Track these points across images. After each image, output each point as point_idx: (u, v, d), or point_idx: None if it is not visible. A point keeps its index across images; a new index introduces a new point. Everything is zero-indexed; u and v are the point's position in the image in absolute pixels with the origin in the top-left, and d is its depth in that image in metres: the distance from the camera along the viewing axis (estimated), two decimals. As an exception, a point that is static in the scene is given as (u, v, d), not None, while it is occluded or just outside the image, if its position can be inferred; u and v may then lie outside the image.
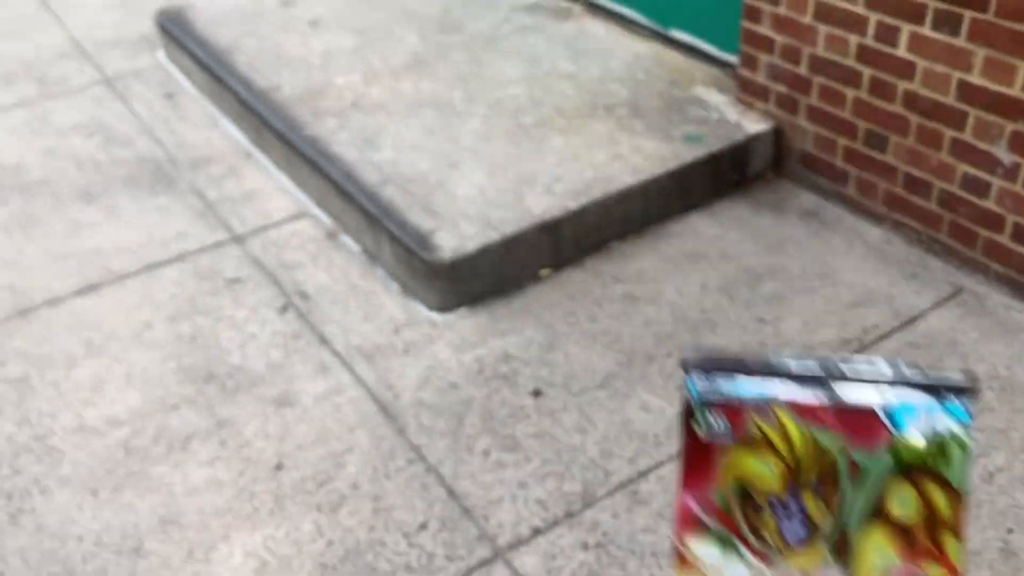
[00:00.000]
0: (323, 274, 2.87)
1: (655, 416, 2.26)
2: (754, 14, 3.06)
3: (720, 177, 3.07)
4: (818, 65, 2.92)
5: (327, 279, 2.84)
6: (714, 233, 2.90)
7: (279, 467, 2.20)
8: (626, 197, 2.88)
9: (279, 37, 3.86)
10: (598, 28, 3.84)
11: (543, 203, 2.81)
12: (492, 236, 2.68)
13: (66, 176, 3.42)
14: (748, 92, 3.20)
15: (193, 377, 2.50)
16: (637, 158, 2.99)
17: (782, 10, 2.96)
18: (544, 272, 2.80)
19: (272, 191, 3.29)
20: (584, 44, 3.71)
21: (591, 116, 3.23)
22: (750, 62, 3.15)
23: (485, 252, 2.66)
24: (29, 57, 4.31)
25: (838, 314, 2.55)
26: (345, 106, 3.36)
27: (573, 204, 2.80)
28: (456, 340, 2.56)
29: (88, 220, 3.18)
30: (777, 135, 3.14)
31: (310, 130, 3.23)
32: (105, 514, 2.10)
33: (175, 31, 4.00)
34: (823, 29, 2.86)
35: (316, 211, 3.17)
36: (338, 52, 3.73)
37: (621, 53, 3.63)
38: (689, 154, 3.00)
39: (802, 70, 2.98)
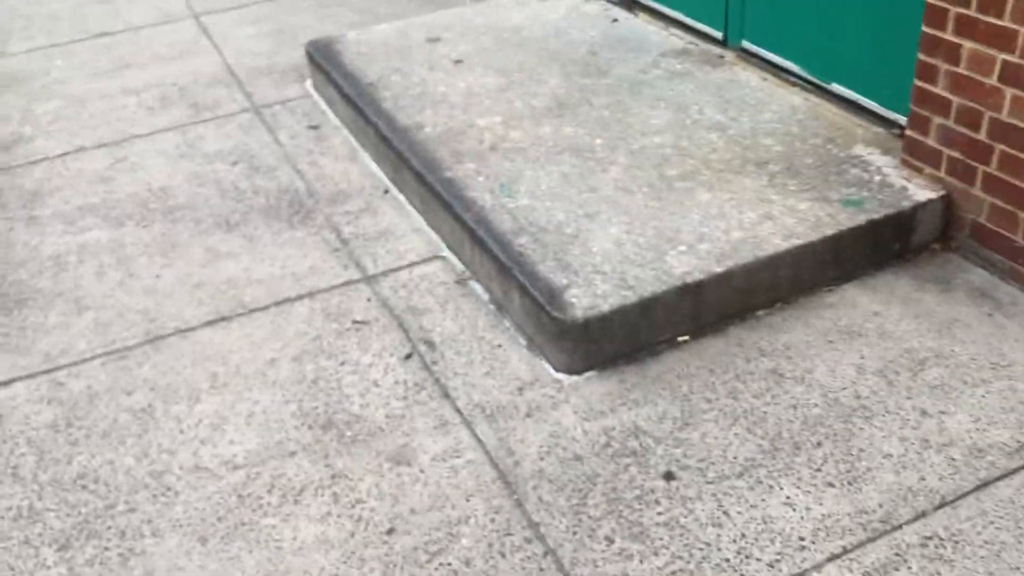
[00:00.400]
0: (450, 322, 2.78)
1: (800, 515, 2.05)
2: (928, 72, 2.82)
3: (881, 246, 2.83)
4: (1001, 131, 2.66)
5: (454, 327, 2.75)
6: (872, 308, 2.66)
7: (391, 531, 2.10)
8: (776, 262, 2.68)
9: (424, 74, 3.83)
10: (751, 77, 3.65)
11: (685, 263, 2.64)
12: (628, 297, 2.53)
13: (208, 203, 3.46)
14: (916, 155, 2.95)
15: (312, 422, 2.44)
16: (790, 220, 2.78)
17: (962, 69, 2.71)
18: (683, 338, 2.62)
19: (407, 231, 3.24)
20: (735, 93, 3.53)
21: (740, 171, 3.04)
22: (920, 123, 2.90)
23: (620, 313, 2.51)
24: (185, 82, 4.43)
25: (1015, 412, 2.27)
26: (484, 149, 3.28)
27: (718, 267, 2.62)
28: (583, 406, 2.41)
29: (225, 249, 3.19)
30: (947, 204, 2.87)
31: (448, 172, 3.16)
32: (212, 565, 2.05)
33: (323, 62, 4.03)
34: (1010, 92, 2.60)
35: (448, 254, 3.09)
36: (481, 92, 3.66)
37: (775, 105, 3.42)
38: (848, 219, 2.78)
39: (981, 135, 2.72)
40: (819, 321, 2.63)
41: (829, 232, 2.74)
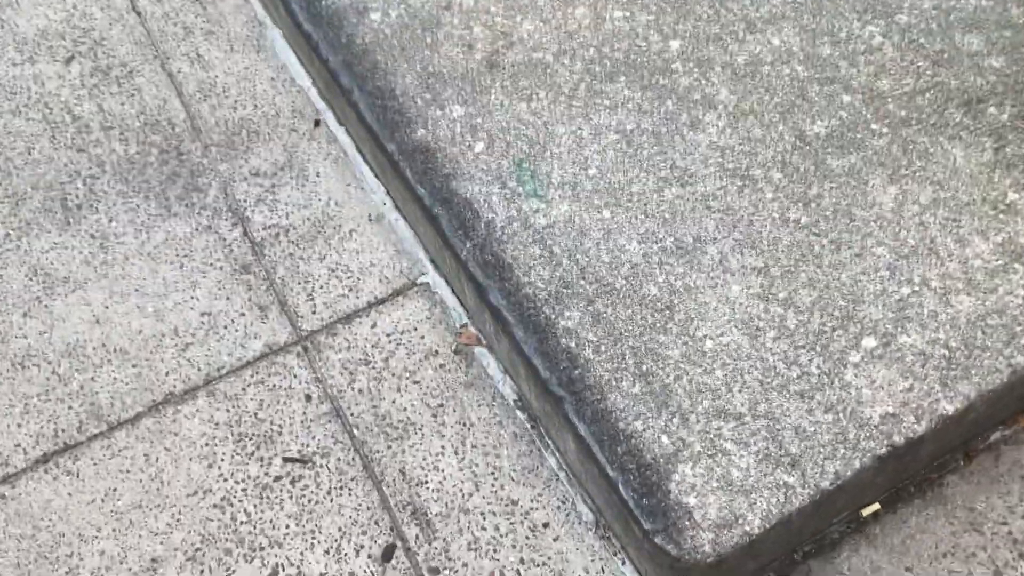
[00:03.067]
0: (452, 459, 1.62)
1: None
2: None
3: None
4: None
5: (461, 476, 1.60)
6: None
7: None
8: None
9: None
10: None
11: (883, 394, 1.44)
12: (793, 491, 1.37)
13: (27, 156, 2.11)
14: None
15: None
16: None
17: None
18: (868, 511, 1.49)
19: (359, 217, 1.96)
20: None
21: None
22: None
23: (777, 527, 1.36)
24: None
25: None
26: (477, 65, 1.90)
27: (949, 397, 1.43)
28: None
29: (62, 269, 1.92)
30: None
31: (419, 130, 1.82)
32: None
33: None
34: None
35: (432, 278, 1.84)
36: None
37: None
38: None
39: None
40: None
41: None
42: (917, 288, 1.51)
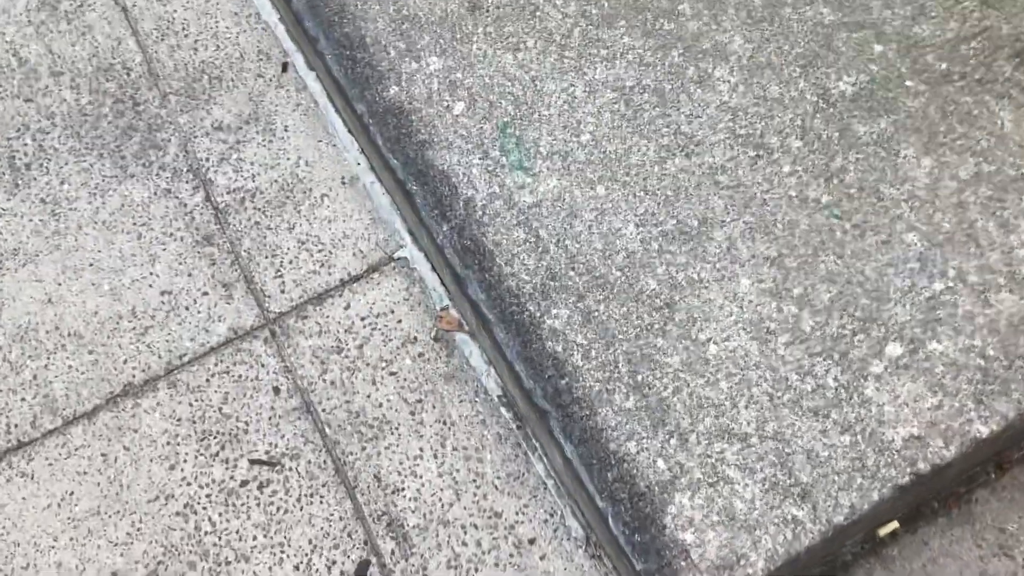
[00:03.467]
0: (431, 462, 1.49)
1: None
2: None
3: None
4: None
5: (441, 482, 1.48)
6: None
7: None
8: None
9: None
10: None
11: (905, 411, 1.29)
12: (803, 527, 1.24)
13: (-34, 124, 1.92)
14: None
15: None
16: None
17: None
18: (885, 530, 1.35)
19: (332, 180, 1.78)
20: None
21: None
22: None
23: (786, 565, 1.23)
24: None
25: None
26: (456, 8, 1.68)
27: (993, 410, 1.27)
28: None
29: (11, 240, 1.76)
30: None
31: (391, 87, 1.63)
32: None
33: None
34: None
35: (411, 252, 1.68)
36: None
37: None
38: None
39: None
40: None
41: None
42: (951, 283, 1.33)
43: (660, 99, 1.53)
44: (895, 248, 1.37)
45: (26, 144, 1.87)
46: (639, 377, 1.31)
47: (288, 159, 1.80)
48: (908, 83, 1.49)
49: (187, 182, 1.80)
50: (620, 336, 1.34)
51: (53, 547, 1.49)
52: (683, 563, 1.20)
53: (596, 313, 1.36)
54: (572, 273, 1.40)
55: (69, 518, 1.51)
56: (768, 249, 1.39)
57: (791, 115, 1.49)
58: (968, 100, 1.47)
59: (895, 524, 1.34)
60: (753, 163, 1.45)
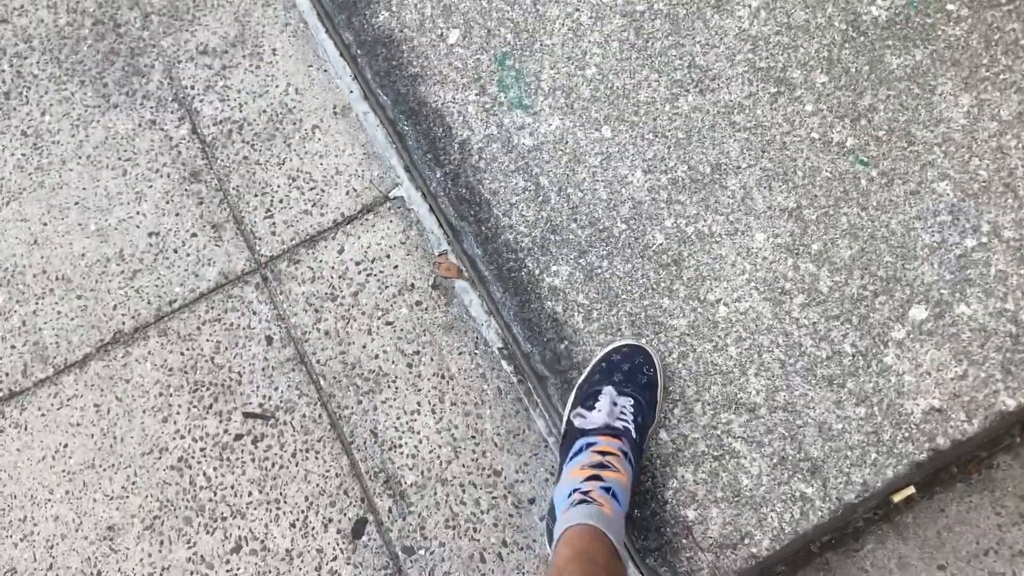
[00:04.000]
0: (430, 417, 1.44)
1: None
2: None
3: None
4: None
5: (447, 450, 1.43)
6: None
7: None
8: None
9: None
10: None
11: (929, 396, 1.21)
12: (804, 515, 1.18)
13: None
14: None
15: None
16: None
17: None
18: (899, 496, 1.30)
19: (322, 109, 1.68)
20: None
21: None
22: None
23: (786, 549, 1.18)
24: None
25: None
26: None
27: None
28: None
29: (-15, 200, 1.69)
30: None
31: (381, 13, 1.49)
32: None
33: None
34: None
35: (407, 191, 1.59)
36: None
37: None
38: None
39: None
40: None
41: None
42: (985, 239, 1.23)
43: (673, 26, 1.39)
44: (925, 199, 1.25)
45: (4, 70, 1.78)
46: (643, 341, 1.23)
47: (277, 86, 1.69)
48: (949, 6, 1.35)
49: (172, 112, 1.70)
50: (624, 296, 1.26)
51: (49, 500, 1.47)
52: (684, 541, 1.15)
53: (599, 270, 1.28)
54: (574, 226, 1.31)
55: (64, 471, 1.48)
56: (786, 199, 1.28)
57: (816, 45, 1.35)
58: (1016, 28, 1.33)
59: (911, 489, 1.28)
60: (773, 101, 1.33)
